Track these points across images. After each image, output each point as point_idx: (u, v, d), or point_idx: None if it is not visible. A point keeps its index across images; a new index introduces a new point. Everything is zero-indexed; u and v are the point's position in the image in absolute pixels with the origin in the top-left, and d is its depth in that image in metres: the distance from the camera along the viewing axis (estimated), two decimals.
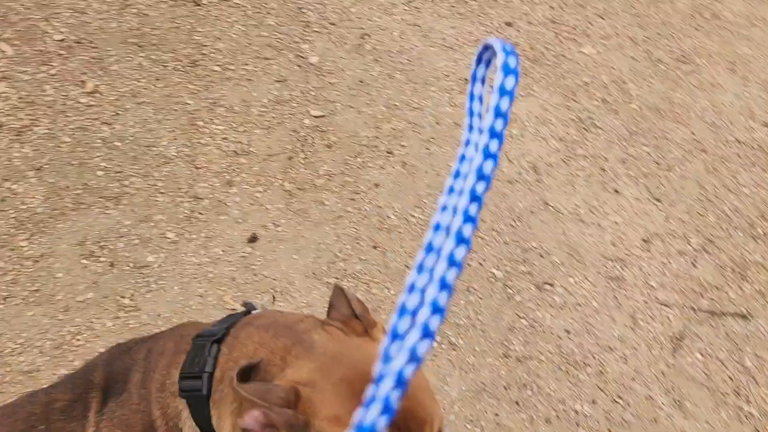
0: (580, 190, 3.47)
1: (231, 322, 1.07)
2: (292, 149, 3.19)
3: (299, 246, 2.82)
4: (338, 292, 1.06)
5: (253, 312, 1.13)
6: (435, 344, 2.62)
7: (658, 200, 3.54)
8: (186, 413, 0.99)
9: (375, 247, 2.90)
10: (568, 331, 2.81)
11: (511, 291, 2.90)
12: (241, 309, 1.17)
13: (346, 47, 3.83)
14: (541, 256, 3.09)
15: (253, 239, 2.77)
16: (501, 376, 2.58)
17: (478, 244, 3.04)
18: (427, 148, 3.43)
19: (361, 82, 3.67)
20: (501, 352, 2.66)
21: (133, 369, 1.07)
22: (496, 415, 2.48)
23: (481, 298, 2.84)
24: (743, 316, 3.06)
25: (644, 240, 3.30)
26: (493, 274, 2.95)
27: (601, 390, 2.64)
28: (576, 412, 2.54)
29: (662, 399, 2.67)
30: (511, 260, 3.03)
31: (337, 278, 2.74)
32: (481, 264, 2.98)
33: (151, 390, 1.03)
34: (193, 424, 0.99)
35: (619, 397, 2.63)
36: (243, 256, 2.72)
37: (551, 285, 2.97)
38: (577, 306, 2.92)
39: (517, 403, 2.51)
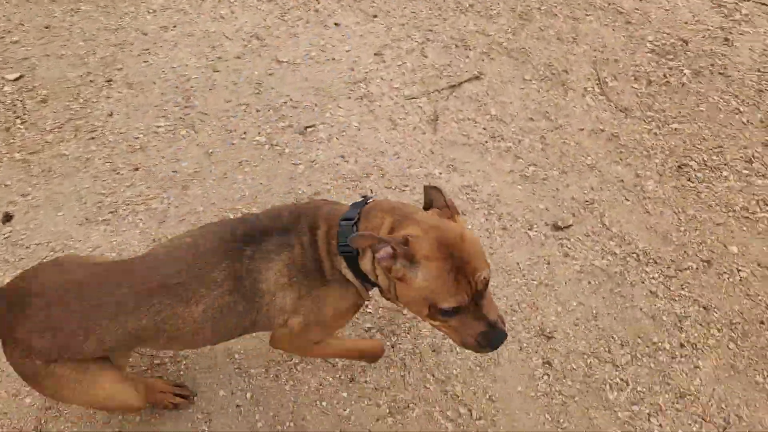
0: (304, 38, 3.59)
1: (360, 207, 1.61)
2: (5, 121, 2.97)
3: (59, 203, 2.70)
4: (436, 190, 1.61)
5: (370, 199, 1.65)
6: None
7: (375, 16, 3.76)
8: (344, 263, 1.60)
9: (136, 169, 2.86)
10: (342, 156, 3.01)
11: (279, 147, 3.02)
12: None
13: (14, 1, 3.52)
14: (294, 107, 3.22)
15: (7, 218, 2.61)
16: None
17: (232, 123, 3.10)
18: (145, 61, 3.34)
19: (48, 27, 3.42)
20: (293, 199, 2.81)
21: (301, 233, 1.60)
22: None
23: (255, 166, 2.93)
24: (476, 78, 3.45)
25: (376, 54, 3.54)
26: (257, 141, 3.04)
27: (388, 187, 2.90)
28: None
29: (438, 170, 2.99)
30: (268, 123, 3.13)
31: (111, 212, 2.69)
32: (243, 138, 3.05)
33: (320, 248, 1.60)
34: (347, 268, 1.60)
35: (405, 186, 2.91)
36: (6, 237, 2.57)
37: (312, 126, 3.13)
38: (341, 133, 3.11)
39: None
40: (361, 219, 1.58)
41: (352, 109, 3.23)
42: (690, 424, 2.22)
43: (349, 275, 1.61)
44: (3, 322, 1.57)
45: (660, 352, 2.41)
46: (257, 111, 3.17)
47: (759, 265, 2.69)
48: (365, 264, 1.57)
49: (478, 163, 3.04)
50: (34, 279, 1.61)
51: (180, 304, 1.55)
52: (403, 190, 2.89)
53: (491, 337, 1.51)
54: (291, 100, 3.24)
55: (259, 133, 3.07)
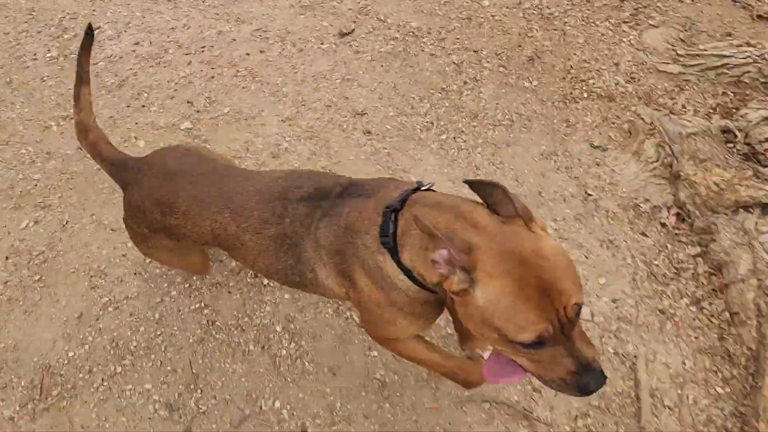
0: None
1: (405, 196, 1.34)
2: None
3: None
4: (502, 192, 1.19)
5: (422, 188, 1.39)
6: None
7: None
8: (388, 258, 1.33)
9: None
10: (137, 43, 3.20)
11: (74, 55, 3.14)
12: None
13: None
14: (74, 18, 3.33)
15: None
16: (133, 119, 2.93)
17: (19, 50, 3.16)
18: None
19: None
20: (126, 105, 2.97)
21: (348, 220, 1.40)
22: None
23: (57, 77, 3.05)
24: None
25: None
26: (51, 56, 3.14)
27: (187, 53, 3.14)
28: (190, 81, 3.03)
29: (228, 26, 3.26)
30: (54, 39, 3.22)
31: None
32: (35, 59, 3.13)
33: (357, 245, 1.38)
34: (394, 264, 1.32)
35: (202, 47, 3.17)
36: None
37: (98, 28, 3.26)
38: (127, 26, 3.28)
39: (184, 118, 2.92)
40: (403, 213, 1.33)
41: (129, 3, 3.38)
42: (486, 132, 2.77)
43: (392, 272, 1.34)
44: (126, 187, 1.75)
45: (450, 93, 2.92)
46: (38, 32, 3.25)
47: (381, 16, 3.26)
48: (405, 257, 1.30)
49: (260, 9, 3.34)
50: (154, 155, 1.78)
51: (234, 223, 1.56)
52: (202, 51, 3.15)
53: (585, 381, 1.17)
54: (68, 13, 3.34)
55: (48, 50, 3.17)
